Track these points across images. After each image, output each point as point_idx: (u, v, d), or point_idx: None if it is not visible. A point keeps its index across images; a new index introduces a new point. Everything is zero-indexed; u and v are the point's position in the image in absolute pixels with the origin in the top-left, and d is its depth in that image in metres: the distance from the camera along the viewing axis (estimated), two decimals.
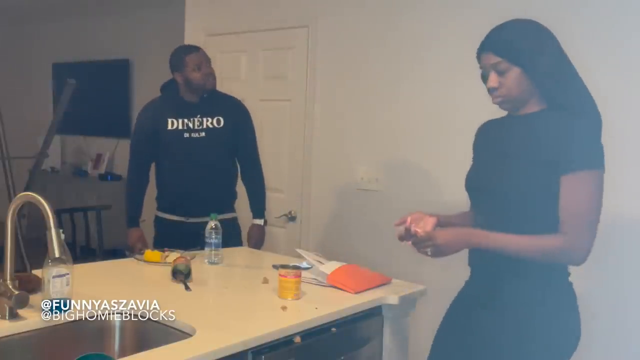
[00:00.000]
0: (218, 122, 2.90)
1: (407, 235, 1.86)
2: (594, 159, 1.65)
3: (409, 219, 1.88)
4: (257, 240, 3.03)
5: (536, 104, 1.77)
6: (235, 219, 3.05)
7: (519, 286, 1.75)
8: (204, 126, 2.90)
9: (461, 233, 1.78)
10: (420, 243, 1.79)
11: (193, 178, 2.87)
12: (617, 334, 2.61)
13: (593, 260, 1.70)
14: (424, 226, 1.85)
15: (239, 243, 2.98)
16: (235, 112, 2.98)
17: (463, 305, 1.94)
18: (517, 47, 1.72)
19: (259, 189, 3.09)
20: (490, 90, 1.79)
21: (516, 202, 1.74)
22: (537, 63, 1.71)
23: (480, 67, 1.82)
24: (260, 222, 3.04)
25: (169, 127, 2.90)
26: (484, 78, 1.82)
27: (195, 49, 2.96)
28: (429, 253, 1.78)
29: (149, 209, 5.77)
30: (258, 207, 3.06)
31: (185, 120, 2.90)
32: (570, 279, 1.80)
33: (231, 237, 2.75)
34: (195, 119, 2.90)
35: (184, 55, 2.89)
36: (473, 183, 1.91)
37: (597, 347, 2.50)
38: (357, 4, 3.41)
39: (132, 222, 3.01)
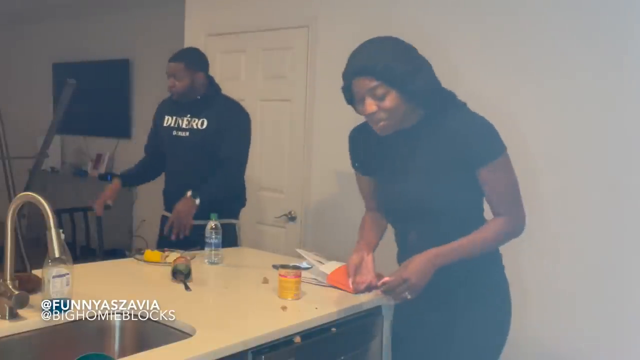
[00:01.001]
0: (202, 124, 2.93)
1: (368, 288, 1.87)
2: (499, 145, 1.76)
3: (349, 283, 1.88)
4: (178, 209, 2.77)
5: (415, 114, 1.81)
6: (231, 225, 2.97)
7: (460, 292, 1.86)
8: (190, 126, 2.96)
9: (425, 260, 1.76)
10: (396, 291, 1.75)
11: (178, 176, 2.98)
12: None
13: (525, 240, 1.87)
14: (368, 272, 1.86)
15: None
16: (223, 116, 2.93)
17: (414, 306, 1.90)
18: (392, 69, 1.72)
19: (212, 185, 2.86)
20: (369, 116, 1.79)
21: (446, 208, 1.81)
22: (411, 81, 1.73)
23: (350, 92, 1.84)
24: (194, 200, 2.79)
25: (164, 123, 3.02)
26: (357, 103, 1.82)
27: (175, 57, 2.96)
28: (409, 296, 1.76)
29: (150, 208, 5.73)
30: (204, 191, 2.81)
31: (177, 118, 2.99)
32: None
33: (224, 242, 2.72)
34: (185, 119, 2.97)
35: (168, 60, 2.97)
36: (391, 205, 1.93)
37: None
38: (357, 4, 3.41)
39: (119, 176, 3.22)
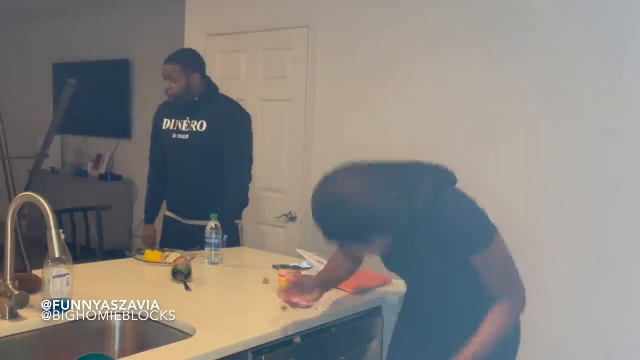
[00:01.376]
0: (201, 126, 2.92)
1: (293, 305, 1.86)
2: (489, 231, 1.68)
3: (283, 297, 1.86)
4: None
5: (374, 250, 1.74)
6: (234, 225, 2.96)
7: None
8: (190, 129, 2.94)
9: None
10: None
11: (178, 178, 2.97)
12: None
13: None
14: (307, 296, 1.85)
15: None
16: (222, 118, 2.92)
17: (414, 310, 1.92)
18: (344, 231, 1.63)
19: (228, 196, 2.90)
20: None
21: (453, 296, 1.77)
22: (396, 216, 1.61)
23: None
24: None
25: (164, 126, 3.01)
26: None
27: (169, 59, 2.93)
28: None
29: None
30: (224, 214, 2.75)
31: (176, 121, 2.97)
32: None
33: (227, 241, 2.73)
34: (184, 121, 2.95)
35: (164, 62, 2.94)
36: (398, 267, 1.87)
37: None
38: (357, 4, 3.41)
39: (147, 218, 3.13)
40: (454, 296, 1.78)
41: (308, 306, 1.86)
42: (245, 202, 3.05)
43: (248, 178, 3.04)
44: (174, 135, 2.97)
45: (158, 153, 3.10)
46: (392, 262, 1.82)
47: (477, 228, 1.68)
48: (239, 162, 2.96)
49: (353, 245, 1.73)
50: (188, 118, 2.94)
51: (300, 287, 1.88)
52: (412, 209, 1.61)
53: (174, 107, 2.99)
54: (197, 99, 2.94)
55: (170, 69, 2.89)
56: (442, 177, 1.74)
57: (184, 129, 2.95)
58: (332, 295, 2.11)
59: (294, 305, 1.85)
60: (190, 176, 2.94)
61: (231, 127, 2.94)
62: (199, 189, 2.94)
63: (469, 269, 1.70)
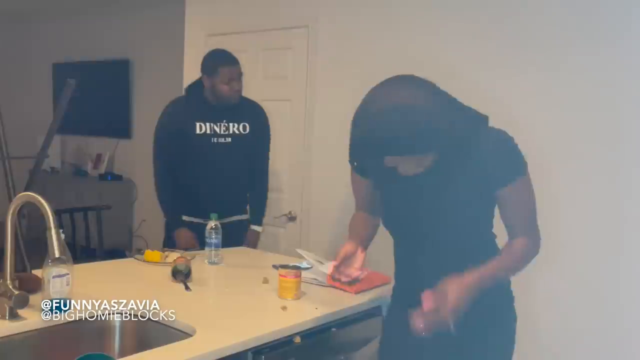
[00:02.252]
0: (244, 128, 2.91)
1: (349, 283, 1.85)
2: (520, 164, 1.69)
3: (331, 268, 1.80)
4: (253, 244, 3.05)
5: (427, 161, 1.71)
6: (246, 221, 3.10)
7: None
8: (230, 132, 2.91)
9: (471, 283, 1.62)
10: (435, 322, 1.59)
11: (217, 182, 2.87)
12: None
13: None
14: (356, 268, 1.80)
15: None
16: (259, 120, 3.01)
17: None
18: (399, 142, 1.59)
19: (261, 198, 3.11)
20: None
21: (459, 229, 1.73)
22: (420, 146, 1.61)
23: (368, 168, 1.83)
24: (259, 229, 3.09)
25: (198, 130, 2.89)
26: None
27: (231, 61, 2.88)
28: (453, 326, 1.56)
29: (150, 208, 5.72)
30: (258, 215, 3.09)
31: (213, 125, 2.89)
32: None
33: (238, 237, 2.85)
34: (222, 124, 2.90)
35: (219, 66, 2.84)
36: (400, 221, 1.84)
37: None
38: (357, 4, 3.41)
39: (179, 223, 2.96)
40: (467, 238, 1.75)
41: (360, 275, 1.80)
42: None
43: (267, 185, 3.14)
44: (214, 140, 2.89)
45: (175, 157, 2.95)
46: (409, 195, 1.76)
47: (508, 160, 1.68)
48: (263, 167, 3.06)
49: (396, 163, 1.66)
50: (225, 121, 2.89)
51: (347, 261, 1.80)
52: (455, 134, 1.64)
53: (203, 110, 2.89)
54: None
55: (236, 71, 2.85)
56: (479, 115, 1.75)
57: (223, 132, 2.90)
58: (332, 295, 2.11)
59: (352, 281, 1.81)
60: (229, 177, 2.91)
61: (266, 130, 3.03)
62: (236, 190, 2.98)
63: (490, 206, 1.71)
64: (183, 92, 4.20)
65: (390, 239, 2.00)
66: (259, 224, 3.08)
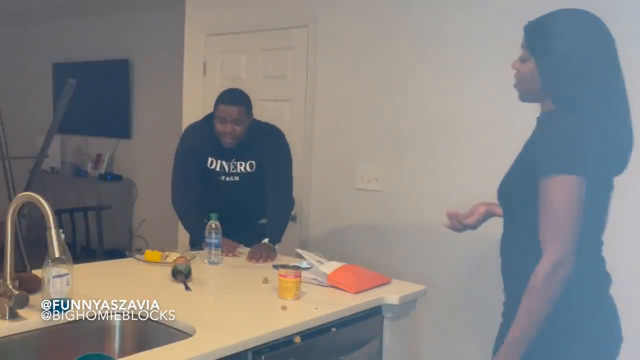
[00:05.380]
0: (251, 166, 2.87)
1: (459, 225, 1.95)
2: (572, 164, 1.52)
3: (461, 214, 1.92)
4: (259, 250, 2.69)
5: (549, 104, 1.65)
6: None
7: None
8: (238, 170, 2.88)
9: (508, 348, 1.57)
10: None
11: (224, 213, 2.69)
12: None
13: None
14: (472, 217, 1.91)
15: None
16: (268, 151, 2.88)
17: None
18: (540, 38, 1.61)
19: (279, 216, 2.91)
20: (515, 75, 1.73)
21: (516, 210, 1.68)
22: (551, 62, 1.59)
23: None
24: (265, 240, 2.83)
25: (209, 165, 2.87)
26: None
27: (233, 101, 2.77)
28: None
29: (150, 208, 5.71)
30: (272, 232, 2.83)
31: (223, 163, 2.87)
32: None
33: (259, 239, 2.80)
34: (231, 163, 2.87)
35: (219, 103, 2.78)
36: (499, 188, 1.78)
37: None
38: (357, 4, 3.41)
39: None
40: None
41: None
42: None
43: (292, 200, 3.02)
44: (222, 178, 2.87)
45: (195, 180, 2.88)
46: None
47: (563, 150, 1.53)
48: (287, 184, 2.94)
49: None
50: (234, 160, 2.86)
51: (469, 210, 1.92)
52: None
53: (215, 146, 2.83)
54: (244, 139, 2.83)
55: (237, 112, 2.73)
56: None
57: (231, 170, 2.87)
58: (332, 295, 2.11)
59: (460, 226, 1.94)
60: (238, 211, 2.87)
61: (279, 158, 2.91)
62: (244, 216, 2.93)
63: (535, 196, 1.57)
64: (183, 92, 4.25)
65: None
66: (271, 240, 2.79)
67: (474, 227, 1.94)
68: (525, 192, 1.61)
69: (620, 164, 1.65)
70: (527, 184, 1.60)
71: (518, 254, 1.70)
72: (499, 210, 1.82)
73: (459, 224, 1.96)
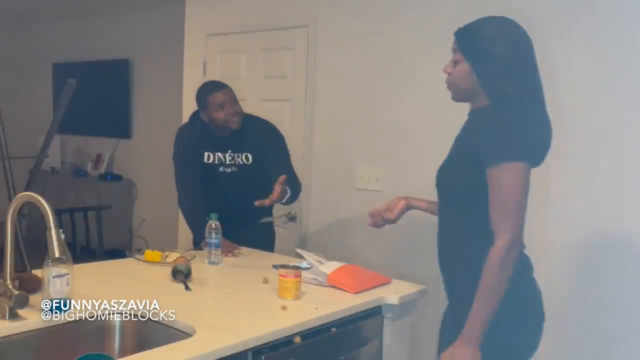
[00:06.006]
0: (247, 158, 2.88)
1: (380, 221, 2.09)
2: (516, 151, 1.64)
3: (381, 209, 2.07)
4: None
5: (484, 100, 1.78)
6: (271, 223, 3.07)
7: None
8: (235, 162, 2.90)
9: (462, 345, 1.69)
10: None
11: (223, 207, 2.73)
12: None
13: None
14: (385, 212, 2.06)
15: (270, 246, 3.03)
16: (263, 144, 2.91)
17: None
18: (471, 41, 1.77)
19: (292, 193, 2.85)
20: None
21: (456, 201, 1.80)
22: (486, 62, 1.73)
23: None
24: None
25: (206, 159, 2.90)
26: None
27: (217, 87, 2.83)
28: None
29: (150, 208, 5.71)
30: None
31: (219, 155, 2.89)
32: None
33: (264, 239, 2.85)
34: (227, 155, 2.89)
35: (206, 96, 2.80)
36: (436, 183, 1.92)
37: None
38: (357, 4, 3.41)
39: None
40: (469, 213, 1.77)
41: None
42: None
43: (299, 183, 2.98)
44: (221, 169, 2.89)
45: (196, 180, 2.90)
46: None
47: (507, 139, 1.66)
48: (291, 174, 2.90)
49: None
50: (230, 151, 2.88)
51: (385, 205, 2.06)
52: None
53: (210, 140, 2.87)
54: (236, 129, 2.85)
55: (227, 94, 2.78)
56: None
57: (228, 162, 2.89)
58: (332, 295, 2.11)
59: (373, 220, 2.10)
60: (238, 202, 2.87)
61: (274, 147, 2.93)
62: (244, 212, 2.90)
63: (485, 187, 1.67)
64: (183, 92, 4.25)
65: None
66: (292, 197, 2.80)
67: (394, 221, 2.08)
68: (466, 181, 1.75)
69: (544, 152, 1.78)
70: (467, 174, 1.74)
71: (457, 240, 1.82)
72: (418, 202, 2.08)
73: (380, 220, 2.10)
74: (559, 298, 2.41)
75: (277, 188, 2.54)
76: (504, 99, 1.72)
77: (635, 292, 2.55)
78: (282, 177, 2.55)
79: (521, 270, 1.74)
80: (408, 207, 2.09)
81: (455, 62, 1.81)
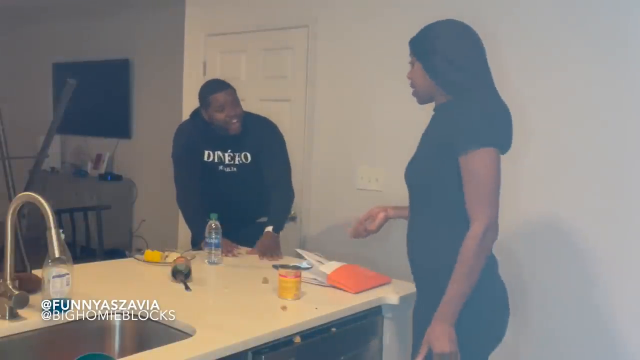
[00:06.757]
0: (245, 157, 2.88)
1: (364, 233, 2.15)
2: (486, 137, 1.70)
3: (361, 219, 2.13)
4: (265, 245, 2.74)
5: (443, 95, 1.84)
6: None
7: None
8: (235, 161, 2.89)
9: (439, 323, 1.72)
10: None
11: (223, 207, 2.73)
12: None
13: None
14: (366, 224, 2.12)
15: None
16: (262, 144, 2.90)
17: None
18: (420, 43, 1.87)
19: (281, 206, 2.92)
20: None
21: (426, 194, 1.84)
22: (433, 59, 1.81)
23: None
24: (269, 228, 2.84)
25: (205, 158, 2.89)
26: None
27: (221, 87, 2.81)
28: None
29: (150, 208, 5.71)
30: (275, 219, 2.86)
31: (219, 153, 2.88)
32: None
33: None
34: (227, 154, 2.88)
35: (208, 95, 2.79)
36: (406, 177, 1.96)
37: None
38: (357, 4, 3.41)
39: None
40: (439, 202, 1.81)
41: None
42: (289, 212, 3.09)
43: (292, 191, 3.00)
44: (220, 168, 2.88)
45: (195, 178, 2.90)
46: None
47: (476, 127, 1.70)
48: (285, 179, 2.95)
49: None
50: (230, 151, 2.87)
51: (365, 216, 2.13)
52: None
53: (210, 138, 2.86)
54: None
55: (231, 95, 2.77)
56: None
57: (228, 161, 2.88)
58: (332, 295, 2.11)
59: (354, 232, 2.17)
60: (237, 204, 2.88)
61: (274, 151, 2.93)
62: (243, 211, 2.94)
63: (457, 175, 1.73)
64: (183, 92, 4.25)
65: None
66: (275, 228, 2.82)
67: (375, 232, 2.15)
68: (436, 173, 1.79)
69: (509, 138, 1.81)
70: (438, 165, 1.78)
71: (427, 231, 1.85)
72: (397, 212, 2.12)
73: (364, 232, 2.16)
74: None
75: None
76: (459, 90, 1.79)
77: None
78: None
79: (487, 268, 1.76)
80: (386, 219, 2.14)
81: (411, 65, 1.90)
